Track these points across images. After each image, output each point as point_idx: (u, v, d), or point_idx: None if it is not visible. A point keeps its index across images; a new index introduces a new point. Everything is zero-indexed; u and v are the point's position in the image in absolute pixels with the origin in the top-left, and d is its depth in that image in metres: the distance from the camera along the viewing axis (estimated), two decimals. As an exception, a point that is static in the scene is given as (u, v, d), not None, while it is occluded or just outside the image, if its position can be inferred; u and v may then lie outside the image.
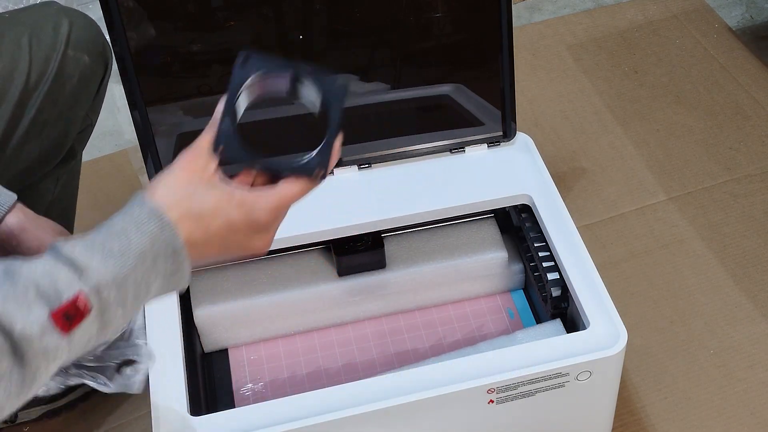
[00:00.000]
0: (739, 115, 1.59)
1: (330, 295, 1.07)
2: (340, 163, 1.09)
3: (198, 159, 0.68)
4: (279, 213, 0.70)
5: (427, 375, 0.89)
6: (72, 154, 1.10)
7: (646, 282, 1.34)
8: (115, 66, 1.00)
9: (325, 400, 0.87)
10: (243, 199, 0.68)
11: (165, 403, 0.88)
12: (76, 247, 0.61)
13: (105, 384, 0.84)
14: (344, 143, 1.09)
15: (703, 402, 1.19)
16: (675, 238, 1.40)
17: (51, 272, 0.59)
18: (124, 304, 0.62)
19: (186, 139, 1.06)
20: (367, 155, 1.09)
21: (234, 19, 1.01)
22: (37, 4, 1.08)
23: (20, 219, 0.87)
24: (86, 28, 1.05)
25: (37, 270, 0.59)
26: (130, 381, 0.85)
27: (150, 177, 1.05)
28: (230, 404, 1.03)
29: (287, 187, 0.70)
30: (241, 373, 1.07)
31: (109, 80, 1.11)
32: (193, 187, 0.66)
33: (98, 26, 1.07)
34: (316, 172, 0.69)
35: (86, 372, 0.85)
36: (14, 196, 0.87)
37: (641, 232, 1.41)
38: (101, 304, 0.60)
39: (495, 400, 0.90)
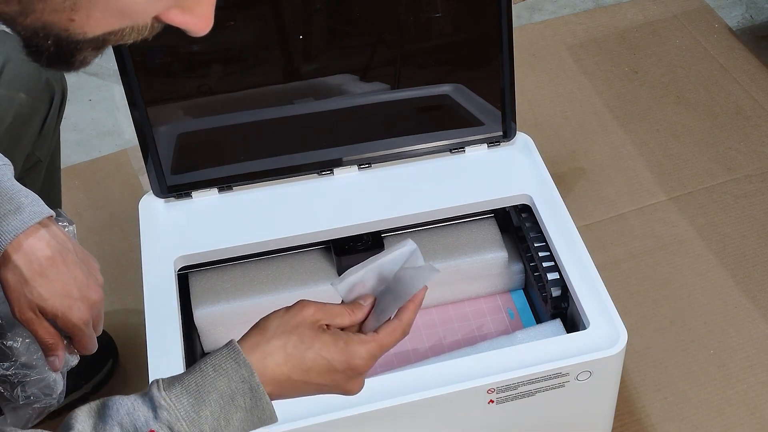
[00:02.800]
0: (739, 115, 1.59)
1: (330, 295, 1.07)
2: (339, 163, 1.09)
3: (315, 312, 0.70)
4: (375, 360, 0.72)
5: (427, 375, 0.89)
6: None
7: (646, 282, 1.34)
8: (115, 65, 1.00)
9: (324, 400, 0.87)
10: (346, 346, 0.69)
11: (165, 403, 0.88)
12: (161, 385, 0.66)
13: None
14: (344, 143, 1.10)
15: (703, 402, 1.19)
16: (675, 238, 1.40)
17: (134, 410, 0.64)
18: None
19: (186, 139, 1.07)
20: (367, 155, 1.09)
21: (234, 18, 1.01)
22: None
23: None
24: (24, 63, 0.98)
25: (125, 407, 0.64)
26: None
27: (150, 177, 1.05)
28: (230, 404, 1.03)
29: (387, 337, 0.71)
30: (241, 373, 1.06)
31: (110, 80, 1.10)
32: (299, 331, 0.69)
33: None
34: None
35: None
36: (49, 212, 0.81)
37: (641, 232, 1.41)
38: None
39: (495, 400, 0.90)
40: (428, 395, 0.87)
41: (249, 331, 0.70)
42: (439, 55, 1.08)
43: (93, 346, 0.82)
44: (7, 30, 0.51)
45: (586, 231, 1.40)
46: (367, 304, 0.73)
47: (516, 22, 1.78)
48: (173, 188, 1.06)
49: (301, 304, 0.70)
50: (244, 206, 1.07)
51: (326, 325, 0.71)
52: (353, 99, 1.08)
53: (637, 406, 1.19)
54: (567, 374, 0.90)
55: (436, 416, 0.90)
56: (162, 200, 1.07)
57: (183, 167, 1.06)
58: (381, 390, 0.88)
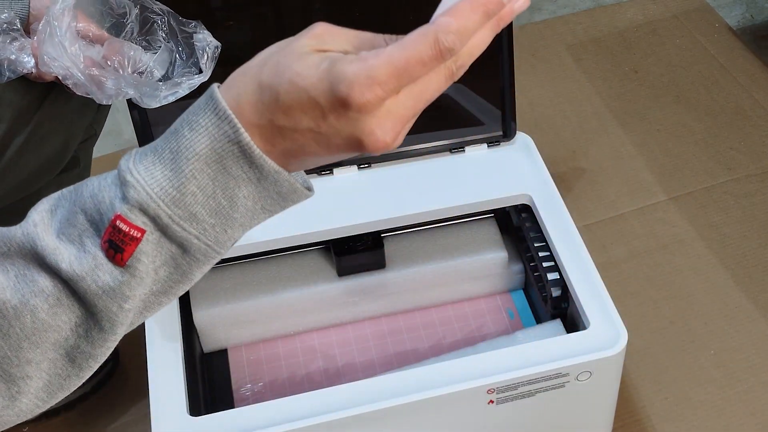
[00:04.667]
0: (739, 115, 1.59)
1: (329, 295, 1.07)
2: (339, 163, 1.09)
3: (319, 34, 0.51)
4: (382, 88, 0.49)
5: (427, 375, 0.89)
6: (75, 164, 1.09)
7: (646, 282, 1.33)
8: (114, 66, 1.00)
9: (324, 401, 0.87)
10: (331, 66, 0.48)
11: (164, 404, 0.88)
12: (134, 153, 0.51)
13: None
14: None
15: (703, 402, 1.19)
16: (675, 238, 1.40)
17: (100, 191, 0.50)
18: (197, 221, 0.50)
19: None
20: (366, 155, 1.09)
21: (233, 18, 1.01)
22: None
23: None
24: None
25: (91, 188, 0.51)
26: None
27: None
28: (230, 404, 1.03)
29: (399, 51, 0.48)
30: (241, 373, 1.06)
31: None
32: (281, 54, 0.50)
33: None
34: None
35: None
36: None
37: (641, 232, 1.41)
38: (158, 224, 0.50)
39: (495, 400, 0.90)
40: (428, 395, 0.87)
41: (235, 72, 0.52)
42: (438, 55, 1.08)
43: None
44: None
45: (586, 231, 1.40)
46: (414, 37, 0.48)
47: (516, 22, 1.78)
48: (173, 188, 1.06)
49: (311, 26, 0.51)
50: (244, 206, 1.06)
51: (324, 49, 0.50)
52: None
53: (637, 406, 1.19)
54: (567, 374, 0.90)
55: (435, 416, 0.90)
56: (161, 200, 1.07)
57: (182, 167, 1.06)
58: (381, 390, 0.88)
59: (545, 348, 0.91)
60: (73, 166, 1.09)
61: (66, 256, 0.50)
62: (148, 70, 0.84)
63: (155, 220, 0.50)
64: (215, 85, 0.51)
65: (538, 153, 1.10)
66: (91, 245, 0.50)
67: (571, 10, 1.86)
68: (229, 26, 1.01)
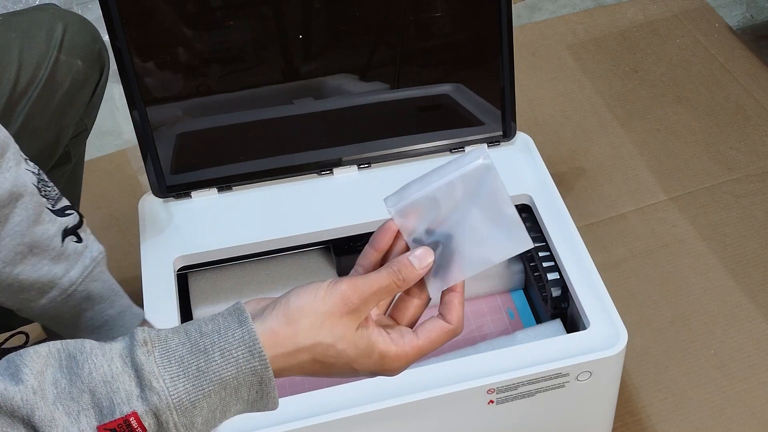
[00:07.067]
0: (739, 115, 1.59)
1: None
2: (339, 163, 1.09)
3: (356, 302, 0.59)
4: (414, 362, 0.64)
5: (427, 375, 0.89)
6: (66, 159, 1.09)
7: (646, 282, 1.33)
8: (114, 66, 1.00)
9: (324, 401, 0.87)
10: (382, 360, 0.62)
11: (164, 404, 0.88)
12: (153, 352, 0.55)
13: None
14: (344, 143, 1.09)
15: (704, 402, 1.19)
16: (675, 238, 1.40)
17: (114, 379, 0.53)
18: (192, 427, 0.55)
19: (185, 139, 1.06)
20: (367, 155, 1.09)
21: (233, 18, 1.01)
22: (32, 7, 1.05)
23: None
24: (81, 32, 1.02)
25: (101, 370, 0.54)
26: None
27: (149, 177, 1.05)
28: (230, 404, 1.03)
29: (429, 344, 0.63)
30: (241, 373, 1.06)
31: (110, 80, 1.10)
32: (334, 335, 0.59)
33: (95, 29, 1.05)
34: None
35: None
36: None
37: (641, 232, 1.41)
38: (159, 427, 0.54)
39: (495, 400, 0.90)
40: (428, 395, 0.87)
41: (272, 314, 0.58)
42: (439, 55, 1.08)
43: None
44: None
45: (586, 231, 1.40)
46: (423, 266, 0.62)
47: (516, 22, 1.78)
48: (173, 188, 1.06)
49: (339, 294, 0.59)
50: (244, 206, 1.06)
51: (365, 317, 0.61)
52: (353, 99, 1.07)
53: (637, 406, 1.19)
54: (567, 374, 0.90)
55: (436, 416, 0.90)
56: (161, 200, 1.07)
57: (182, 167, 1.06)
58: (381, 390, 0.88)
59: (545, 348, 0.91)
60: (64, 162, 1.08)
61: (60, 430, 0.52)
62: None
63: (161, 425, 0.54)
64: (251, 324, 0.56)
65: (538, 153, 1.10)
66: (85, 424, 0.53)
67: (572, 10, 1.86)
68: (229, 26, 1.01)
